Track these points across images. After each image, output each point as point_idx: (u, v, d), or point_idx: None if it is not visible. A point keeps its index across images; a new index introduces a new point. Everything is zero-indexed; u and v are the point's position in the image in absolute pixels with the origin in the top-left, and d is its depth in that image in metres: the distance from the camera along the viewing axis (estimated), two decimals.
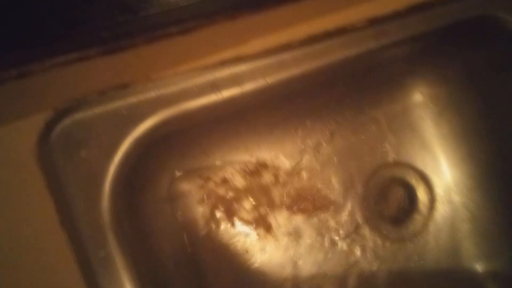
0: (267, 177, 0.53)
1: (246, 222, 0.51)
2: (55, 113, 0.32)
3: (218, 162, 0.50)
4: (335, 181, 0.57)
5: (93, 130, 0.33)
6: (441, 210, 0.59)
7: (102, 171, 0.32)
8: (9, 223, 0.31)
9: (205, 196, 0.49)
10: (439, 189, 0.59)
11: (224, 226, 0.50)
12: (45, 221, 0.31)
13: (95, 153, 0.32)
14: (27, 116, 0.32)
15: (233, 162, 0.52)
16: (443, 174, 0.60)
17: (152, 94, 0.35)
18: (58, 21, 0.28)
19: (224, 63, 0.37)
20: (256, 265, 0.51)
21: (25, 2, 0.28)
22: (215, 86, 0.37)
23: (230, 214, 0.49)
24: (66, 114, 0.32)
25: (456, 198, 0.59)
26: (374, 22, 0.42)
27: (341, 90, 0.54)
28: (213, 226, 0.50)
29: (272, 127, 0.52)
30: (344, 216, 0.57)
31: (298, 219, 0.55)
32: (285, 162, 0.54)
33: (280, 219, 0.53)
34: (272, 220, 0.53)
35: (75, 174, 0.32)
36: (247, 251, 0.51)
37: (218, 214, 0.50)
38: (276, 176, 0.54)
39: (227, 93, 0.37)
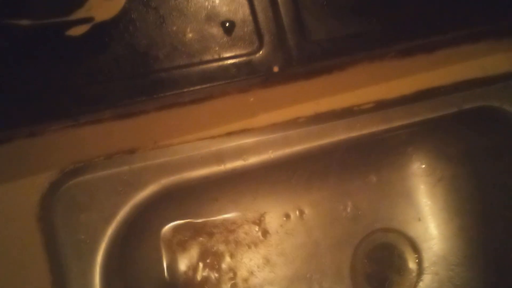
0: (255, 236, 0.54)
1: (229, 278, 0.51)
2: (61, 174, 0.33)
3: (208, 219, 0.51)
4: (327, 242, 0.58)
5: (95, 194, 0.33)
6: (427, 281, 0.60)
7: (99, 236, 0.33)
8: (4, 279, 0.31)
9: (193, 252, 0.50)
10: (428, 260, 0.60)
11: (210, 279, 0.51)
12: (38, 281, 0.32)
13: (95, 218, 0.33)
14: (33, 174, 0.33)
15: (222, 220, 0.52)
16: (433, 246, 0.60)
17: (157, 161, 0.36)
18: (77, 98, 0.29)
19: (230, 135, 0.38)
20: None
21: (49, 76, 0.29)
22: (219, 158, 0.37)
23: (214, 269, 0.50)
24: (71, 176, 0.33)
25: (443, 270, 0.60)
26: (380, 105, 0.43)
27: (342, 156, 0.55)
28: (200, 280, 0.50)
29: (270, 189, 0.53)
30: (332, 278, 0.58)
31: (285, 277, 0.56)
32: (278, 222, 0.55)
33: (266, 279, 0.54)
34: (257, 279, 0.53)
35: (73, 237, 0.32)
36: None
37: (204, 268, 0.51)
38: (265, 235, 0.55)
39: (230, 165, 0.38)
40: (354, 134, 0.42)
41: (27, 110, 0.30)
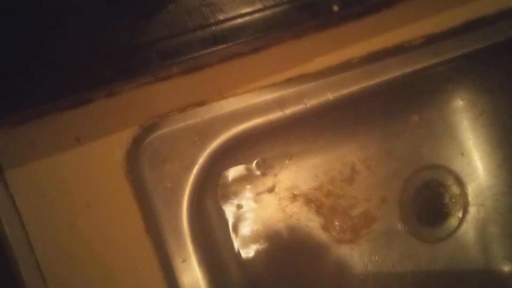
0: (308, 184, 0.56)
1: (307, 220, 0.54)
2: (142, 129, 0.35)
3: (270, 163, 0.53)
4: (376, 183, 0.60)
5: (175, 145, 0.35)
6: (474, 212, 0.62)
7: (183, 183, 0.35)
8: (101, 229, 0.34)
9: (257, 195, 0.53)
10: (473, 192, 0.62)
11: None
12: (133, 228, 0.35)
13: (177, 166, 0.35)
14: (117, 132, 0.35)
15: (282, 164, 0.55)
16: (478, 178, 0.62)
17: (225, 110, 0.37)
18: (155, 53, 0.30)
19: (290, 81, 0.39)
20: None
21: (124, 36, 0.30)
22: (281, 103, 0.39)
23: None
24: (151, 130, 0.35)
25: (489, 201, 0.62)
26: (430, 39, 0.43)
27: (385, 98, 0.56)
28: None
29: (317, 133, 0.54)
30: (380, 216, 0.60)
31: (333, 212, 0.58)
32: (327, 168, 0.57)
33: (328, 218, 0.57)
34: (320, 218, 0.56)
35: (160, 186, 0.35)
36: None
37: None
38: (316, 181, 0.57)
39: (291, 110, 0.39)
40: (406, 69, 0.43)
41: (108, 70, 0.31)
